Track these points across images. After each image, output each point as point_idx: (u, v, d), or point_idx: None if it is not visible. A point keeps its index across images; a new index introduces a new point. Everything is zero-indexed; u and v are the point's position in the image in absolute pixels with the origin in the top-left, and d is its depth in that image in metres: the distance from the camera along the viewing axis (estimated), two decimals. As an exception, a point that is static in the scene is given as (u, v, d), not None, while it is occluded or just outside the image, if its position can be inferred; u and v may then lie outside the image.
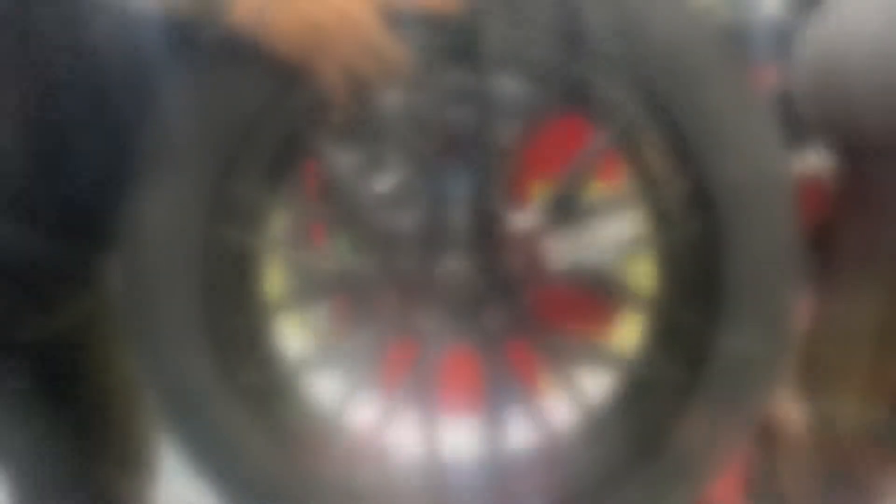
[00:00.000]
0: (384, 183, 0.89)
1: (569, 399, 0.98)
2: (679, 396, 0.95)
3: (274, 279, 0.97)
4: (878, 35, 0.97)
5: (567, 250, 0.93)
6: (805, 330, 1.09)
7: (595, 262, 0.95)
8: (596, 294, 1.00)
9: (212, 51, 0.79)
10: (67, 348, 1.05)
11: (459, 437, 0.95)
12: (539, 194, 0.96)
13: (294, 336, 1.02)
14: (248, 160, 0.87)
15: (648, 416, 0.97)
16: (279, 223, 0.95)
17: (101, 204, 0.84)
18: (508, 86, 0.88)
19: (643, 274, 0.98)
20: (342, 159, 0.90)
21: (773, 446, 1.29)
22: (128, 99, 0.80)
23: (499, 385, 0.95)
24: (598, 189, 0.99)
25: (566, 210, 0.92)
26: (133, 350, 0.93)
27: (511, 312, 0.92)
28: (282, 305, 1.02)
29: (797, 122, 1.22)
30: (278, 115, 0.84)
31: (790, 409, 1.19)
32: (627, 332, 1.04)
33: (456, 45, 0.80)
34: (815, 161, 1.15)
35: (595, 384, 0.99)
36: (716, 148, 0.87)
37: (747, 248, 0.89)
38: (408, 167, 0.91)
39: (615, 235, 0.98)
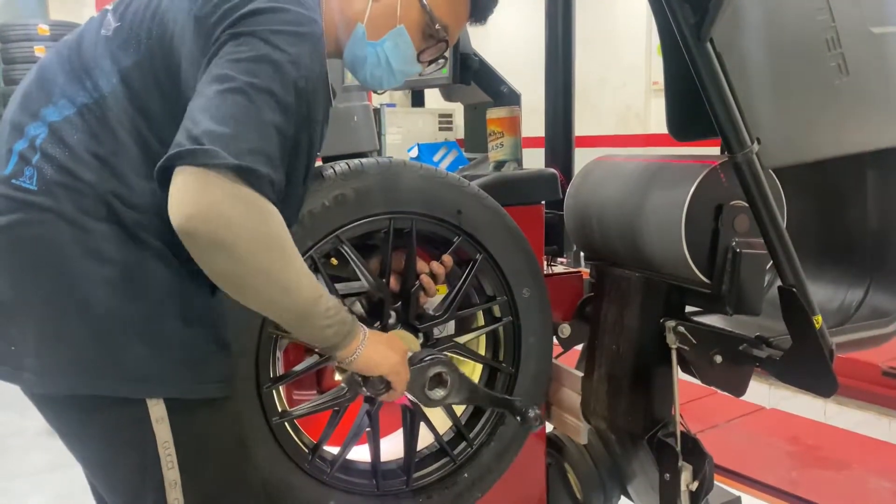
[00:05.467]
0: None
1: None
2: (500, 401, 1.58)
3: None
4: (615, 196, 1.66)
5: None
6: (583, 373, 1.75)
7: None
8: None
9: None
10: None
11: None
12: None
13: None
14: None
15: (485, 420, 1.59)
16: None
17: None
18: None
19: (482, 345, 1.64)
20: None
21: (561, 453, 1.91)
22: None
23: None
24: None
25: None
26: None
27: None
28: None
29: (563, 240, 1.93)
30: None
31: (575, 427, 1.81)
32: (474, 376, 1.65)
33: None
34: (574, 263, 1.85)
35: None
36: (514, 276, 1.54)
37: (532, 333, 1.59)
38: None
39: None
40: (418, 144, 2.11)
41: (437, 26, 1.23)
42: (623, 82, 6.54)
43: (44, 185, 1.04)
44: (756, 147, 1.25)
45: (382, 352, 1.20)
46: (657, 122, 6.15)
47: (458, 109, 6.43)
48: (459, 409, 1.61)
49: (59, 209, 1.03)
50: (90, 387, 1.05)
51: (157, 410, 1.07)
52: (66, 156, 1.05)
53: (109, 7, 1.16)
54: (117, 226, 1.05)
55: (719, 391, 1.54)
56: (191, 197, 0.94)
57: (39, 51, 6.32)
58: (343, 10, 1.20)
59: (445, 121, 6.77)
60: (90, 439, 1.12)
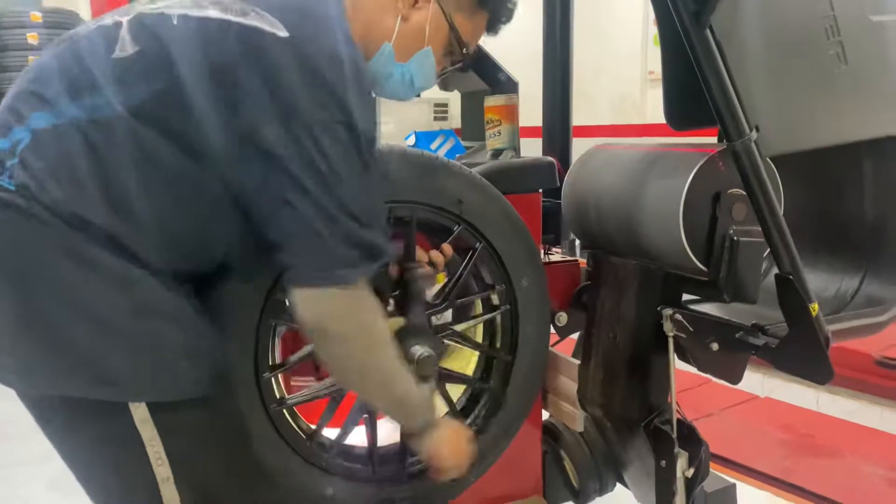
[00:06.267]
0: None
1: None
2: (496, 396, 1.61)
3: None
4: (613, 184, 1.67)
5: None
6: (579, 361, 1.76)
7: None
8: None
9: None
10: None
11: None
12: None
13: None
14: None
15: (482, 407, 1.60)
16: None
17: None
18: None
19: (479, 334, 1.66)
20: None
21: (557, 441, 1.92)
22: None
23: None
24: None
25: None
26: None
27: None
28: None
29: (560, 228, 1.93)
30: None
31: (571, 414, 1.82)
32: (471, 363, 1.66)
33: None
34: (576, 249, 1.85)
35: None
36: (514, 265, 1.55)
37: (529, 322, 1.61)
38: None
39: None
40: (415, 132, 2.11)
41: (464, 50, 1.25)
42: (619, 72, 6.54)
43: (19, 186, 1.02)
44: (755, 135, 1.25)
45: (453, 449, 1.34)
46: (653, 111, 6.15)
47: (452, 99, 6.40)
48: (455, 396, 1.62)
49: (33, 211, 1.01)
50: (67, 388, 1.05)
51: (140, 412, 1.06)
52: (43, 167, 1.02)
53: (123, 20, 1.08)
54: (88, 234, 1.03)
55: (713, 380, 1.55)
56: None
57: (32, 38, 6.27)
58: (370, 27, 1.19)
59: (440, 110, 6.75)
60: (75, 438, 1.11)
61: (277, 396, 1.38)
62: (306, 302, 1.11)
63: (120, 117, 1.03)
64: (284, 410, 1.39)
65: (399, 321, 1.42)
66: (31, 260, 1.02)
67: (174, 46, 1.05)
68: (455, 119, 6.47)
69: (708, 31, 1.21)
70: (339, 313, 1.12)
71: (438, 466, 1.33)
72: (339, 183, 1.05)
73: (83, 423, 1.08)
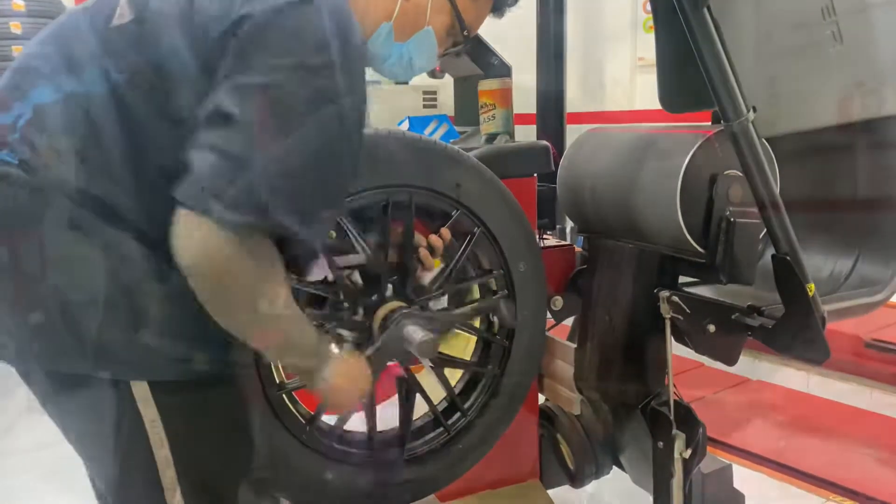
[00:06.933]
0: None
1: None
2: (494, 380, 1.62)
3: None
4: (608, 167, 1.67)
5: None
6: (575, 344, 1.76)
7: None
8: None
9: None
10: None
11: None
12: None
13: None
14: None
15: (479, 392, 1.61)
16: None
17: None
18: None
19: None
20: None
21: (553, 424, 1.93)
22: None
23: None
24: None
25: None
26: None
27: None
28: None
29: (555, 213, 1.93)
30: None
31: (568, 398, 1.83)
32: (469, 347, 1.66)
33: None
34: (567, 234, 1.85)
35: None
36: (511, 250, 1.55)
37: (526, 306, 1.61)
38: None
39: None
40: (409, 118, 2.10)
41: (464, 32, 1.24)
42: (607, 58, 6.53)
43: (21, 161, 1.02)
44: (752, 116, 1.25)
45: (345, 386, 1.22)
46: (642, 97, 6.15)
47: (441, 86, 6.36)
48: (453, 380, 1.62)
49: (35, 185, 1.01)
50: (69, 365, 1.04)
51: (141, 391, 1.05)
52: (45, 142, 1.02)
53: None
54: (90, 208, 1.02)
55: (704, 363, 1.56)
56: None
57: (15, 27, 6.18)
58: (370, 4, 1.17)
59: (430, 98, 6.72)
60: (77, 416, 1.10)
61: (277, 381, 1.38)
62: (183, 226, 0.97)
63: (118, 88, 1.02)
64: (284, 395, 1.39)
65: (398, 305, 1.41)
66: (34, 234, 1.01)
67: (167, 12, 1.03)
68: (444, 106, 6.42)
69: (706, 12, 1.21)
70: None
71: (330, 402, 1.25)
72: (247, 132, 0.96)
73: (86, 402, 1.08)
